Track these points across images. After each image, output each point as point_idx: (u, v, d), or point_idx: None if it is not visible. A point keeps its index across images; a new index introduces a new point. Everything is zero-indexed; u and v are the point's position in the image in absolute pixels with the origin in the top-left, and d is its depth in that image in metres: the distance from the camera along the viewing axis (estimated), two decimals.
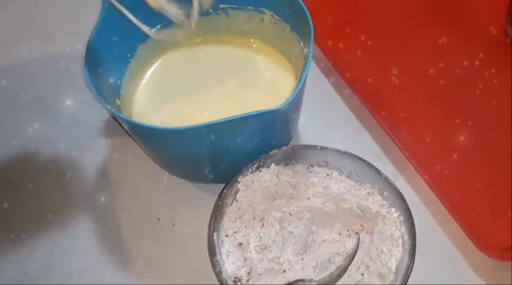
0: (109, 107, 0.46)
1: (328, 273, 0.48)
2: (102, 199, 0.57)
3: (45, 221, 0.56)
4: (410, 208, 0.48)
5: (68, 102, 0.63)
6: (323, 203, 0.51)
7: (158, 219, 0.56)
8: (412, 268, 0.45)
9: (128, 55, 0.56)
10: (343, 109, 0.61)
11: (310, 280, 0.47)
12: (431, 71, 0.61)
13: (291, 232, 0.49)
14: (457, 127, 0.58)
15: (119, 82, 0.55)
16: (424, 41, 0.64)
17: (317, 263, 0.48)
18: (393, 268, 0.47)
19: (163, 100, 0.57)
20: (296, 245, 0.49)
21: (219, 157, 0.51)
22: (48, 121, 0.62)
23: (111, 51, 0.53)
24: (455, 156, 0.56)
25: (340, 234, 0.50)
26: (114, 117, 0.58)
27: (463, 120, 0.58)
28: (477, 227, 0.52)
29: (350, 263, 0.48)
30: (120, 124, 0.56)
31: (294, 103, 0.49)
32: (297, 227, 0.50)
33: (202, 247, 0.53)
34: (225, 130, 0.45)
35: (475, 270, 0.52)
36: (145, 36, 0.57)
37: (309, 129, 0.60)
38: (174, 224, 0.55)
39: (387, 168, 0.56)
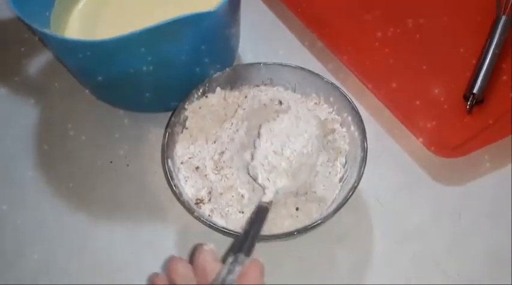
0: (39, 29, 0.44)
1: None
2: (46, 149, 0.56)
3: None
4: None
5: None
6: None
7: (111, 162, 0.55)
8: (365, 161, 0.47)
9: None
10: (281, 29, 0.62)
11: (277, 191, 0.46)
12: None
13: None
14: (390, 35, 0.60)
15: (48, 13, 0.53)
16: None
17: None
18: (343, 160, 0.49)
19: (96, 28, 0.55)
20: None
21: (160, 76, 0.49)
22: None
23: None
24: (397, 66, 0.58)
25: None
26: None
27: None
28: (427, 131, 0.54)
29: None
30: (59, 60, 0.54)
31: (231, 9, 0.48)
32: None
33: (160, 183, 0.53)
34: (162, 38, 0.44)
35: (427, 172, 0.53)
36: None
37: (249, 51, 0.59)
38: (128, 165, 0.55)
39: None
